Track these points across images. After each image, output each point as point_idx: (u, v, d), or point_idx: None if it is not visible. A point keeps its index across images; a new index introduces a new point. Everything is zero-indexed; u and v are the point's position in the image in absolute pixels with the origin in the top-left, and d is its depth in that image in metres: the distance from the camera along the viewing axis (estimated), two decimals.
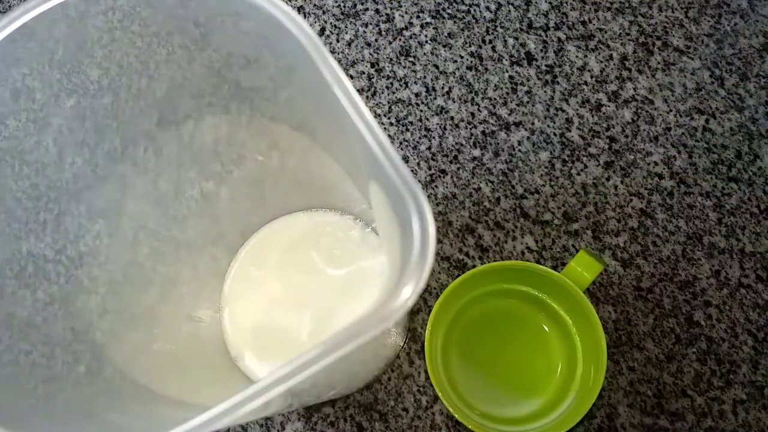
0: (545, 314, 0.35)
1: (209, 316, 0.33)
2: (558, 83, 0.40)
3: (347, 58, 0.42)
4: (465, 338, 0.34)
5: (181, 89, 0.24)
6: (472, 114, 0.40)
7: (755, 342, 0.35)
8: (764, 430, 0.33)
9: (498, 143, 0.39)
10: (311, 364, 0.14)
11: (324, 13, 0.43)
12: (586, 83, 0.40)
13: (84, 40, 0.20)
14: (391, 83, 0.41)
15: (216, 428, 0.14)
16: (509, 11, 0.42)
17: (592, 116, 0.39)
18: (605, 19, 0.42)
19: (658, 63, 0.40)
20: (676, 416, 0.34)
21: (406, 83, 0.41)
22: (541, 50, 0.41)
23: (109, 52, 0.21)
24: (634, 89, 0.40)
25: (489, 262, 0.37)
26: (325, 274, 0.34)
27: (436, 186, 0.38)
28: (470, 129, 0.40)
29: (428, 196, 0.38)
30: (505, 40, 0.42)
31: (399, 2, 0.43)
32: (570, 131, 0.39)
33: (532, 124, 0.39)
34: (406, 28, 0.42)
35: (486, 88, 0.40)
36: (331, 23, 0.43)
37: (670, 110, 0.39)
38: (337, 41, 0.42)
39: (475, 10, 0.42)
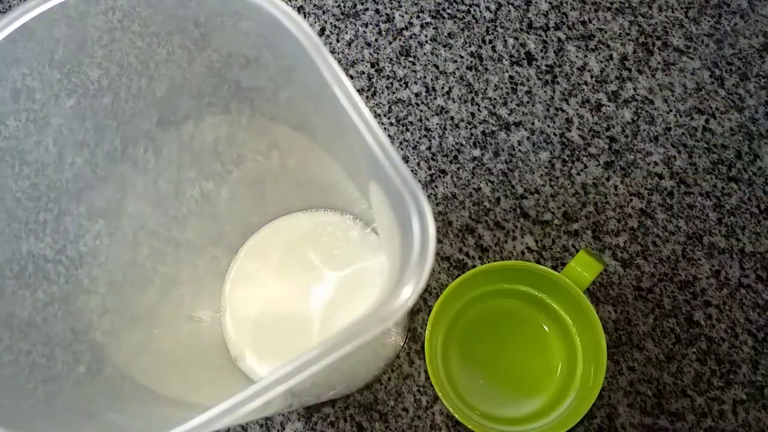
0: (545, 314, 0.35)
1: (209, 316, 0.33)
2: (558, 83, 0.40)
3: (347, 58, 0.42)
4: (465, 338, 0.34)
5: (181, 89, 0.24)
6: (472, 114, 0.40)
7: (755, 342, 0.35)
8: (764, 430, 0.33)
9: (498, 143, 0.39)
10: (311, 364, 0.14)
11: (324, 13, 0.43)
12: (586, 83, 0.40)
13: (84, 40, 0.20)
14: (391, 83, 0.41)
15: (216, 428, 0.14)
16: (509, 11, 0.42)
17: (592, 116, 0.39)
18: (605, 19, 0.42)
19: (658, 63, 0.40)
20: (676, 416, 0.34)
21: (406, 83, 0.41)
22: (541, 50, 0.41)
23: (109, 52, 0.21)
24: (634, 89, 0.40)
25: (489, 262, 0.37)
26: (325, 274, 0.34)
27: (436, 186, 0.38)
28: (470, 129, 0.40)
29: (428, 196, 0.38)
30: (505, 40, 0.42)
31: (399, 2, 0.43)
32: (570, 131, 0.39)
33: (532, 124, 0.39)
34: (406, 28, 0.42)
35: (486, 88, 0.40)
36: (331, 23, 0.43)
37: (670, 110, 0.39)
38: (337, 41, 0.42)
39: (475, 10, 0.42)
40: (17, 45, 0.19)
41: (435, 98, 0.40)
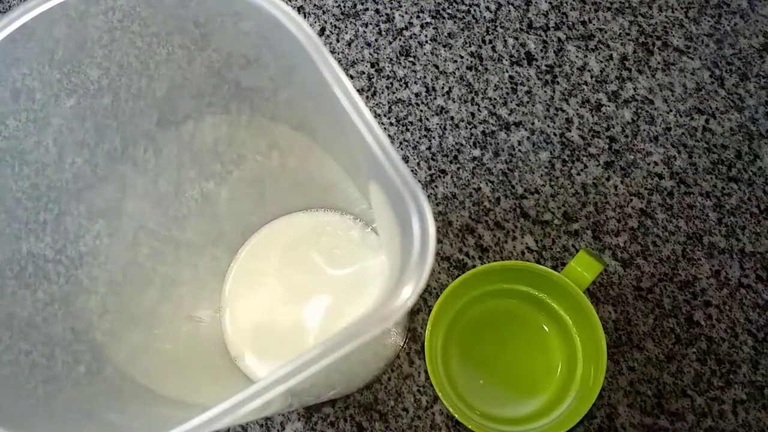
0: (545, 314, 0.35)
1: (209, 316, 0.33)
2: (558, 83, 0.40)
3: (347, 58, 0.42)
4: (465, 338, 0.34)
5: (181, 89, 0.24)
6: (472, 114, 0.40)
7: (755, 342, 0.35)
8: (764, 430, 0.33)
9: (498, 143, 0.39)
10: (311, 364, 0.14)
11: (324, 13, 0.43)
12: (586, 83, 0.40)
13: (84, 40, 0.20)
14: (391, 83, 0.41)
15: (216, 428, 0.14)
16: (509, 11, 0.42)
17: (592, 116, 0.39)
18: (605, 19, 0.42)
19: (658, 63, 0.40)
20: (676, 416, 0.34)
21: (406, 83, 0.41)
22: (541, 50, 0.41)
23: (109, 52, 0.21)
24: (634, 89, 0.40)
25: (489, 262, 0.37)
26: (325, 274, 0.34)
27: (436, 186, 0.38)
28: (470, 129, 0.40)
29: (428, 196, 0.38)
30: (505, 40, 0.42)
31: (399, 2, 0.43)
32: (570, 131, 0.39)
33: (532, 124, 0.39)
34: (406, 28, 0.42)
35: (486, 88, 0.40)
36: (331, 23, 0.43)
37: (670, 110, 0.39)
38: (337, 41, 0.42)
39: (475, 10, 0.42)
40: (17, 45, 0.19)
41: (435, 98, 0.40)
